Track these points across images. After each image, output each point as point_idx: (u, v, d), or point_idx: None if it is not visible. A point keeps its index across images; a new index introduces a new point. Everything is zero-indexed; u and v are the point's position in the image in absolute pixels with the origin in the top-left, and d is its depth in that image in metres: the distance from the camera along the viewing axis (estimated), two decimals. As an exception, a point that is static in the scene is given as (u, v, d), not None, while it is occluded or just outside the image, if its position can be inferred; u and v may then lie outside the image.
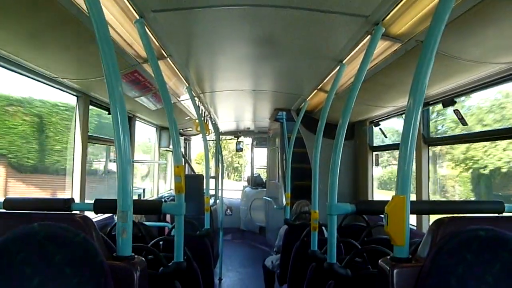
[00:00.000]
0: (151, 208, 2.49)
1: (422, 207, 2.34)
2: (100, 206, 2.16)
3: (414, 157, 1.66)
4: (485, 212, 2.02)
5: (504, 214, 2.00)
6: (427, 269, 1.45)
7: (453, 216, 1.67)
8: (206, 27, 2.74)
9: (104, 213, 2.39)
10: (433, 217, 1.73)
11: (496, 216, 1.82)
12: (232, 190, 12.20)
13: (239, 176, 30.24)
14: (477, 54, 2.55)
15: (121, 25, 2.64)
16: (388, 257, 1.67)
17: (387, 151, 5.76)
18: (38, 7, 2.02)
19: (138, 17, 2.40)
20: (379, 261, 1.68)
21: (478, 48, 2.45)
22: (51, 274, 1.37)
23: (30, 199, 2.14)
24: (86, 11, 1.69)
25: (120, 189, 1.73)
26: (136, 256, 1.73)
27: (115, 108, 1.70)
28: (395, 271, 1.54)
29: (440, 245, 1.47)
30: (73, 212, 2.06)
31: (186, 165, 9.02)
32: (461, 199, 5.07)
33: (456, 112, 3.49)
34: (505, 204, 2.02)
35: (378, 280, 1.67)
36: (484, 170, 4.59)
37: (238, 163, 26.47)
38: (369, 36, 2.58)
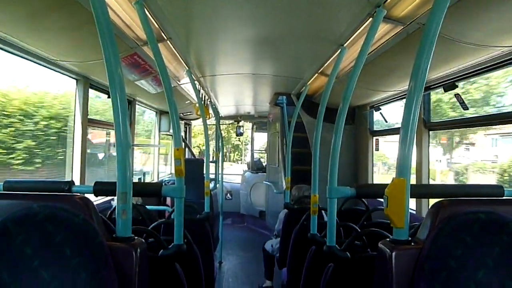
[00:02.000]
0: (151, 190, 2.49)
1: (421, 191, 2.35)
2: (100, 188, 2.16)
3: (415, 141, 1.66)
4: (484, 196, 2.03)
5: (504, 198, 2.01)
6: (427, 251, 1.46)
7: (453, 199, 1.67)
8: (206, 9, 2.72)
9: (104, 195, 2.40)
10: (432, 202, 1.74)
11: (496, 199, 1.82)
12: (232, 175, 12.22)
13: (239, 155, 30.15)
14: (479, 37, 2.53)
15: (121, 6, 2.61)
16: (388, 239, 1.68)
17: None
18: None
19: None
20: (379, 243, 1.68)
21: (480, 31, 2.43)
22: (51, 255, 1.37)
23: (30, 181, 2.14)
24: None
25: (119, 171, 1.73)
26: (136, 237, 1.74)
27: (114, 91, 1.69)
28: (394, 253, 1.55)
29: (439, 227, 1.47)
30: (73, 194, 2.07)
31: (187, 149, 9.02)
32: (460, 183, 5.08)
33: (457, 96, 3.48)
34: (504, 189, 2.03)
35: (378, 262, 1.68)
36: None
37: (239, 140, 26.42)
38: (370, 18, 2.55)
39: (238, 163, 29.92)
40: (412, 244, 1.61)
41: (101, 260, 1.42)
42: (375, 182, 5.85)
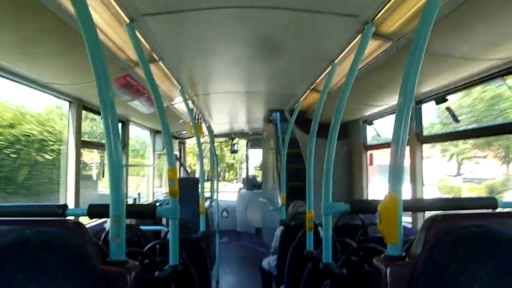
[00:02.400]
0: (145, 212, 2.48)
1: (415, 205, 2.35)
2: (94, 211, 2.15)
3: (408, 154, 1.67)
4: (478, 209, 2.03)
5: (498, 210, 2.02)
6: (421, 266, 1.46)
7: (446, 214, 1.67)
8: (197, 30, 2.74)
9: (98, 217, 2.39)
10: (429, 214, 1.74)
11: (489, 213, 1.83)
12: (228, 192, 12.18)
13: (234, 175, 29.86)
14: (466, 51, 2.56)
15: (111, 29, 2.63)
16: (382, 255, 1.68)
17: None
18: (27, 13, 2.02)
19: (128, 21, 2.39)
20: (373, 259, 1.68)
21: (467, 45, 2.46)
22: (45, 280, 1.36)
23: (22, 206, 2.13)
24: (76, 16, 1.69)
25: (112, 194, 1.72)
26: (129, 260, 1.73)
27: (106, 112, 1.70)
28: (388, 269, 1.54)
29: (433, 243, 1.47)
30: (67, 218, 2.05)
31: (181, 168, 9.00)
32: (454, 197, 5.10)
33: (448, 109, 3.51)
34: (498, 201, 2.03)
35: (373, 279, 1.67)
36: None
37: (234, 159, 26.10)
38: (359, 35, 2.58)
39: (233, 182, 29.62)
40: (407, 259, 1.61)
41: (94, 285, 1.41)
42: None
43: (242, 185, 11.38)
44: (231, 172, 30.57)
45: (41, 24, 2.17)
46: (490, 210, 2.07)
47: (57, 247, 1.41)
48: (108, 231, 3.30)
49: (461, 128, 3.72)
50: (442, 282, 1.40)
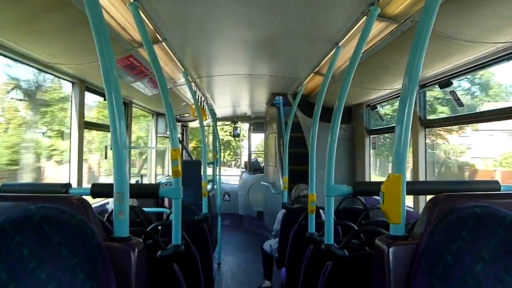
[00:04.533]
0: (148, 191, 2.49)
1: (418, 187, 2.35)
2: (97, 190, 2.16)
3: (411, 138, 1.67)
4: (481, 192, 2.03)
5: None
6: (423, 246, 1.46)
7: (449, 194, 1.67)
8: (201, 10, 2.72)
9: (101, 197, 2.40)
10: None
11: (492, 193, 1.83)
12: (230, 176, 12.21)
13: (231, 156, 29.22)
14: (473, 34, 2.54)
15: (115, 8, 2.62)
16: (385, 235, 1.69)
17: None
18: None
19: (132, 0, 2.38)
20: (376, 239, 1.69)
21: (474, 28, 2.44)
22: (49, 256, 1.37)
23: (27, 184, 2.15)
24: None
25: (116, 172, 1.73)
26: (133, 237, 1.74)
27: (110, 93, 1.70)
28: (391, 248, 1.55)
29: (436, 222, 1.48)
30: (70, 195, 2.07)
31: (184, 151, 9.01)
32: (457, 179, 5.09)
33: (453, 93, 3.49)
34: (501, 184, 2.03)
35: (375, 258, 1.68)
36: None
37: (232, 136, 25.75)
38: (364, 17, 2.56)
39: (231, 167, 28.71)
40: (409, 239, 1.62)
41: (98, 261, 1.42)
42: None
43: (244, 169, 11.39)
44: (228, 152, 29.32)
45: (45, 2, 2.15)
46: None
47: (61, 223, 1.42)
48: (111, 211, 3.32)
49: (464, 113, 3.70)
50: (444, 262, 1.40)
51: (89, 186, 2.18)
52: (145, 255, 1.75)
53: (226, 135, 23.92)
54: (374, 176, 6.21)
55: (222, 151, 8.26)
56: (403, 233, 1.64)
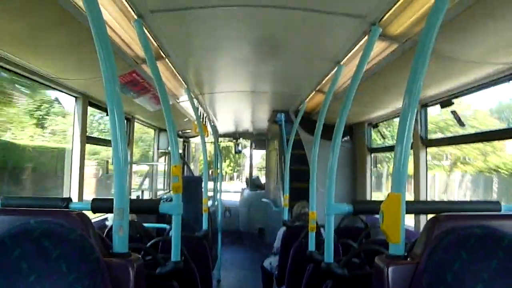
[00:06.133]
0: (148, 207, 2.49)
1: (418, 206, 2.35)
2: (97, 205, 2.17)
3: (412, 157, 1.67)
4: (481, 212, 2.02)
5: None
6: (423, 266, 1.45)
7: (449, 214, 1.67)
8: (204, 28, 2.75)
9: (101, 212, 2.40)
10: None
11: (492, 214, 1.82)
12: (231, 192, 12.20)
13: (233, 168, 28.45)
14: (474, 55, 2.56)
15: (120, 25, 2.65)
16: (384, 255, 1.68)
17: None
18: (36, 6, 2.03)
19: (136, 18, 2.41)
20: (375, 258, 1.68)
21: (475, 48, 2.45)
22: (48, 271, 1.37)
23: (28, 198, 2.15)
24: (84, 10, 1.70)
25: (117, 188, 1.73)
26: (132, 253, 1.73)
27: (112, 108, 1.71)
28: (390, 268, 1.54)
29: (436, 242, 1.47)
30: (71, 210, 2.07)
31: (185, 166, 9.01)
32: (457, 200, 5.07)
33: (454, 113, 3.50)
34: (501, 204, 2.03)
35: (374, 278, 1.67)
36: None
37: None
38: (366, 36, 2.59)
39: (233, 179, 27.92)
40: (409, 259, 1.61)
41: (97, 276, 1.41)
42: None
43: (245, 185, 11.39)
44: (228, 162, 27.83)
45: (49, 17, 2.18)
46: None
47: (61, 237, 1.42)
48: (110, 226, 3.31)
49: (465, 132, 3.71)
50: (444, 282, 1.39)
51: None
52: (144, 271, 1.74)
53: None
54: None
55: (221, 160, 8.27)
56: (403, 253, 1.63)
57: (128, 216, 1.77)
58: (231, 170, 29.04)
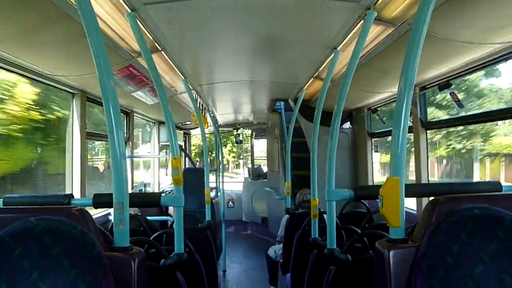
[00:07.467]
0: (149, 200, 2.49)
1: (417, 189, 2.34)
2: (98, 201, 2.17)
3: (412, 141, 1.67)
4: (482, 193, 2.02)
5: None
6: (423, 249, 1.46)
7: (449, 196, 1.67)
8: (199, 19, 2.74)
9: (103, 207, 2.41)
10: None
11: (492, 195, 1.82)
12: (233, 183, 12.22)
13: (241, 151, 28.25)
14: (469, 35, 2.55)
15: (113, 19, 2.63)
16: (385, 239, 1.68)
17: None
18: (29, 4, 2.02)
19: (129, 11, 2.39)
20: (376, 243, 1.69)
21: (470, 29, 2.44)
22: (49, 267, 1.38)
23: (29, 196, 2.16)
24: (76, 6, 1.69)
25: (115, 182, 1.74)
26: (133, 247, 1.74)
27: (108, 103, 1.71)
28: (391, 252, 1.54)
29: (435, 225, 1.47)
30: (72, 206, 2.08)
31: (186, 158, 9.03)
32: (458, 181, 5.08)
33: (453, 95, 3.49)
34: (502, 185, 2.03)
35: (375, 262, 1.68)
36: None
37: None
38: (361, 21, 2.57)
39: (238, 166, 27.33)
40: (409, 242, 1.61)
41: (99, 271, 1.42)
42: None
43: (247, 175, 11.42)
44: (229, 148, 26.90)
45: (43, 15, 2.17)
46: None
47: (61, 234, 1.42)
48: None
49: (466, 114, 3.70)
50: (445, 264, 1.40)
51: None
52: (146, 264, 1.75)
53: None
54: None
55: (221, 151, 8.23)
56: (403, 236, 1.63)
57: (128, 210, 1.78)
58: (234, 159, 28.82)
